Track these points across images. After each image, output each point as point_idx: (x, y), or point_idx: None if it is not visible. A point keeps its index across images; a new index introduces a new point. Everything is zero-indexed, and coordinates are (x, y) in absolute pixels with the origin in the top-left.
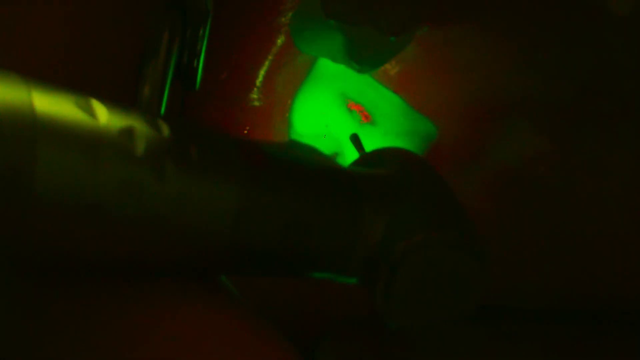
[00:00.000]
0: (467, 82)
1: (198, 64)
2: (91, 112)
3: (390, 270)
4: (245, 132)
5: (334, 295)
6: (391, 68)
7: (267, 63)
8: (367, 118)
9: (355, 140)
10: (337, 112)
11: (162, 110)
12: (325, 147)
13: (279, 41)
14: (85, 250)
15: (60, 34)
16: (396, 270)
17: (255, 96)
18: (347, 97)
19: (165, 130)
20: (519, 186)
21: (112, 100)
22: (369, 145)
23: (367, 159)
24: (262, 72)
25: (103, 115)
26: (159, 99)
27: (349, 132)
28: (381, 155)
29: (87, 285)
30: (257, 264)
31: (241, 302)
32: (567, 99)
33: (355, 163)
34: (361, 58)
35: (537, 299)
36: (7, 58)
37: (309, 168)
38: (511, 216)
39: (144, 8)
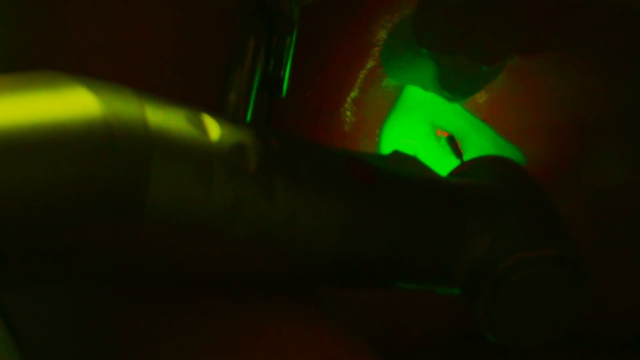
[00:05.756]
0: (556, 111)
1: (284, 74)
2: (203, 128)
3: (494, 285)
4: None
5: (428, 313)
6: (480, 97)
7: (354, 85)
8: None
9: (452, 143)
10: (426, 141)
11: (248, 118)
12: None
13: (367, 63)
14: (190, 266)
15: (158, 39)
16: (500, 285)
17: (341, 118)
18: (435, 125)
19: (275, 145)
20: (606, 214)
21: (221, 114)
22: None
23: (468, 168)
24: (349, 94)
25: (215, 131)
26: (245, 107)
27: (438, 161)
28: (481, 164)
29: (183, 301)
30: (358, 277)
31: (336, 318)
32: None
33: (455, 172)
34: (453, 87)
35: (624, 327)
36: (105, 59)
37: (414, 182)
38: (598, 243)
39: (232, 16)
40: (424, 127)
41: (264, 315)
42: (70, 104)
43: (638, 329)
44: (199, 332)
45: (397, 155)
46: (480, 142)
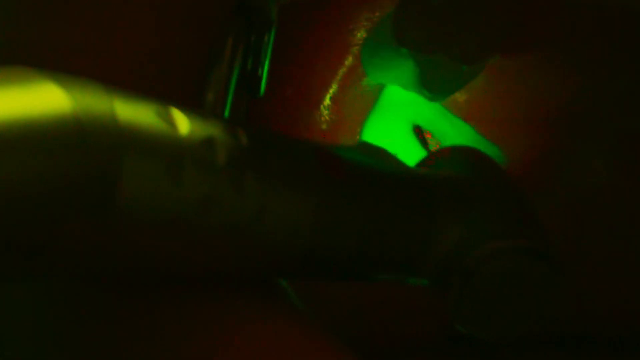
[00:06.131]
0: (536, 111)
1: (262, 72)
2: (172, 122)
3: (465, 277)
4: None
5: (403, 310)
6: (460, 96)
7: (334, 84)
8: (436, 146)
9: (419, 134)
10: (405, 140)
11: (226, 116)
12: None
13: (347, 62)
14: (162, 261)
15: (136, 37)
16: (470, 277)
17: (321, 117)
18: (415, 124)
19: (244, 139)
20: (589, 214)
21: (191, 107)
22: None
23: (438, 158)
24: (328, 93)
25: (183, 125)
26: (223, 105)
27: (418, 159)
28: (452, 154)
29: (155, 300)
30: (330, 269)
31: (308, 316)
32: (637, 131)
33: (426, 161)
34: (433, 86)
35: (608, 326)
36: (84, 59)
37: (384, 174)
38: (578, 241)
39: (211, 15)
40: (404, 126)
41: (236, 315)
42: (39, 99)
43: (622, 328)
44: (171, 333)
45: (365, 146)
46: (460, 141)
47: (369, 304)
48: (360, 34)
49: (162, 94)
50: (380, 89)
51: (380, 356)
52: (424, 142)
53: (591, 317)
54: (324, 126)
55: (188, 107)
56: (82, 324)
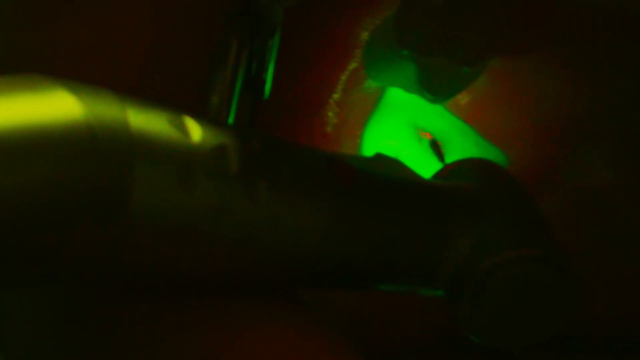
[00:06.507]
0: (538, 112)
1: (267, 76)
2: (184, 130)
3: (477, 286)
4: None
5: (404, 312)
6: (461, 98)
7: (336, 87)
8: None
9: (435, 147)
10: (408, 142)
11: (231, 120)
12: None
13: (349, 65)
14: (173, 268)
15: (141, 41)
16: (483, 287)
17: (323, 120)
18: (417, 126)
19: (257, 146)
20: (591, 216)
21: (202, 116)
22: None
23: (450, 170)
24: (330, 96)
25: (196, 133)
26: (228, 108)
27: (420, 162)
28: (464, 166)
29: (161, 304)
30: (342, 278)
31: (319, 320)
32: (638, 132)
33: (438, 174)
34: (434, 88)
35: (610, 329)
36: (88, 61)
37: (397, 184)
38: (581, 244)
39: (214, 17)
40: (406, 128)
41: (245, 318)
42: (52, 107)
43: (622, 330)
44: (173, 335)
45: (379, 157)
46: (462, 144)
47: (370, 305)
48: (362, 37)
49: (166, 96)
50: (382, 91)
51: (381, 357)
52: (439, 154)
53: (591, 318)
54: (326, 128)
55: (201, 115)
56: (83, 326)
